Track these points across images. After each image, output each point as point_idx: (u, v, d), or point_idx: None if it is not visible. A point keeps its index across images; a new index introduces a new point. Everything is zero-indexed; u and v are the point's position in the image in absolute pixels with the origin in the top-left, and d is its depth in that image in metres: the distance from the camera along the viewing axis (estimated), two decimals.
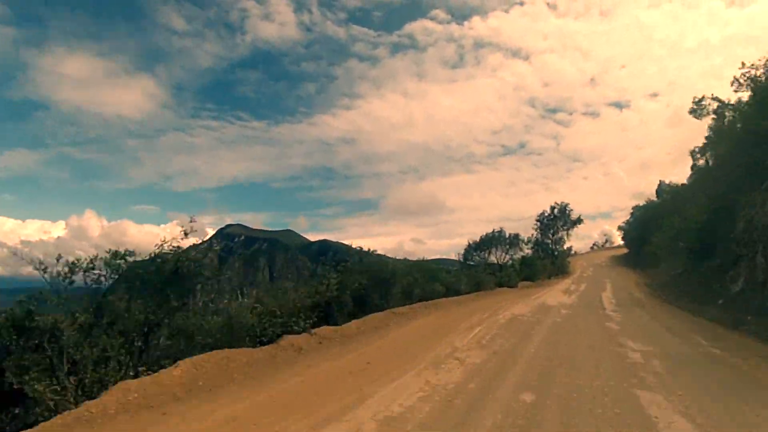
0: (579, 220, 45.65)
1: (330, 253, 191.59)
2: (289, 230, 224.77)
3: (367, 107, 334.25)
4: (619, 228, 56.98)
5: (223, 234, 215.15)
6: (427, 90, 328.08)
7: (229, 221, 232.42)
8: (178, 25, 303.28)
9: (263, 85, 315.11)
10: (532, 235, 43.06)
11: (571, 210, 45.07)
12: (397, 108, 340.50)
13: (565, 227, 44.95)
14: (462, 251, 35.54)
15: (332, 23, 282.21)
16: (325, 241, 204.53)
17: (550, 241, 44.53)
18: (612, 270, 44.02)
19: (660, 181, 49.05)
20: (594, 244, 69.81)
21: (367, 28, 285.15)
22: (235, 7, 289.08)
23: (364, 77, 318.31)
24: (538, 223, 44.98)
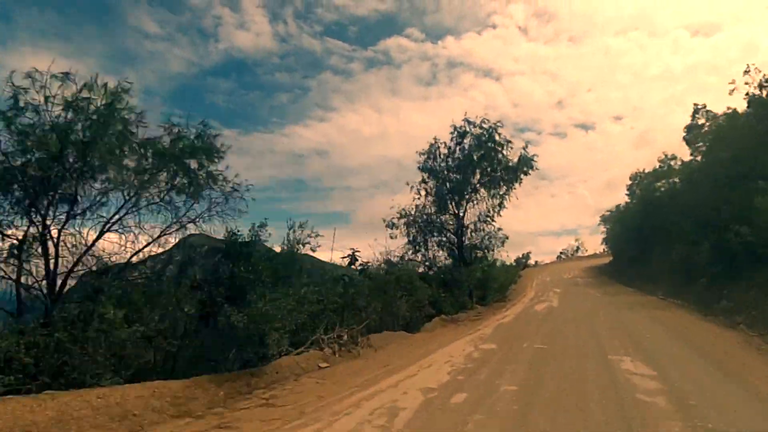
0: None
1: (297, 265, 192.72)
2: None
3: (340, 120, 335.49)
4: (603, 220, 41.69)
5: (186, 244, 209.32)
6: (401, 105, 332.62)
7: (199, 231, 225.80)
8: (149, 29, 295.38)
9: (235, 94, 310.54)
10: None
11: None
12: (371, 122, 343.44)
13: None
14: None
15: (308, 36, 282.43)
16: (291, 252, 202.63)
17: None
18: (598, 291, 25.86)
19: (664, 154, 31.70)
20: (561, 253, 51.52)
21: (342, 42, 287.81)
22: (209, 13, 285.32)
23: (338, 90, 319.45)
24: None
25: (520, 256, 47.16)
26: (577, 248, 50.51)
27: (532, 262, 48.49)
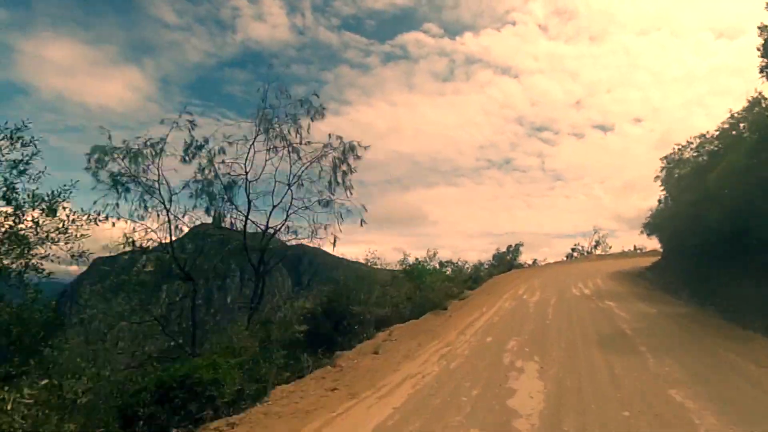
0: None
1: (306, 260, 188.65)
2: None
3: (355, 114, 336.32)
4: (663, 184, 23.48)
5: (197, 233, 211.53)
6: (416, 101, 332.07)
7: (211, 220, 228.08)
8: (169, 19, 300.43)
9: (252, 86, 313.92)
10: None
11: None
12: (385, 117, 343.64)
13: None
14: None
15: (325, 29, 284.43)
16: (301, 245, 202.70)
17: None
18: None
19: None
20: (573, 249, 36.80)
21: (359, 36, 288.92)
22: (227, 4, 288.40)
23: (354, 84, 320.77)
24: None
25: (505, 249, 31.06)
26: (597, 243, 35.91)
27: (526, 260, 31.73)
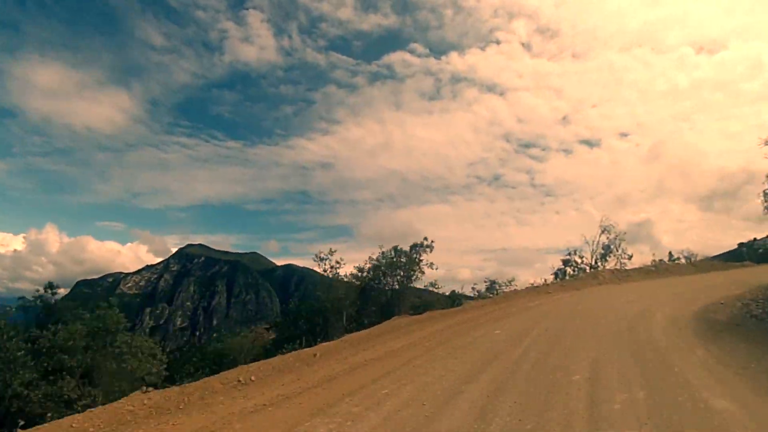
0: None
1: (295, 278, 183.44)
2: (255, 253, 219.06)
3: (344, 133, 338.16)
4: None
5: (182, 254, 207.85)
6: (405, 120, 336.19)
7: (200, 241, 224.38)
8: (155, 41, 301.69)
9: (240, 106, 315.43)
10: None
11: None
12: (375, 136, 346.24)
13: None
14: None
15: (312, 50, 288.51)
16: (290, 265, 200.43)
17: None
18: None
19: None
20: (568, 264, 28.57)
21: (346, 57, 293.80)
22: (214, 27, 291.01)
23: (342, 103, 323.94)
24: None
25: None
26: (607, 252, 27.63)
27: (506, 285, 21.96)
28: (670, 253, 31.53)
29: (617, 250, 28.57)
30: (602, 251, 28.95)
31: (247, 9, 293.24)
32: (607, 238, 28.75)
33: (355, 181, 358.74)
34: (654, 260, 30.63)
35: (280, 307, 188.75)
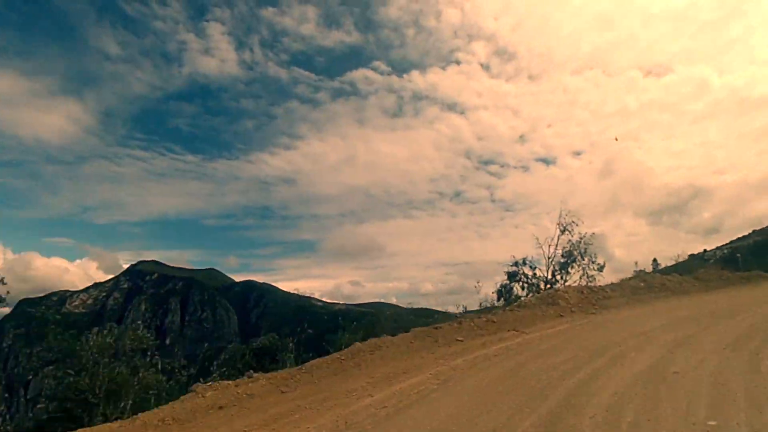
0: None
1: (255, 294, 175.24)
2: (213, 269, 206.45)
3: (307, 148, 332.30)
4: None
5: (133, 271, 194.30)
6: (368, 136, 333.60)
7: (154, 257, 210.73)
8: (111, 50, 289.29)
9: (199, 119, 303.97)
10: None
11: None
12: (338, 151, 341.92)
13: None
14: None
15: (274, 64, 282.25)
16: (250, 281, 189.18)
17: None
18: None
19: None
20: (515, 278, 20.40)
21: (309, 72, 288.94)
22: (173, 38, 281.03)
23: (305, 119, 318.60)
24: None
25: None
26: (569, 262, 20.01)
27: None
28: (654, 260, 24.27)
29: (582, 258, 20.72)
30: (562, 259, 20.61)
31: (208, 21, 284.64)
32: (569, 240, 20.50)
33: (318, 196, 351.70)
34: (638, 271, 22.76)
35: (239, 325, 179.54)
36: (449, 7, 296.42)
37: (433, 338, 9.42)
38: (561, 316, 12.37)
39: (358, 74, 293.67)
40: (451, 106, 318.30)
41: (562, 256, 21.18)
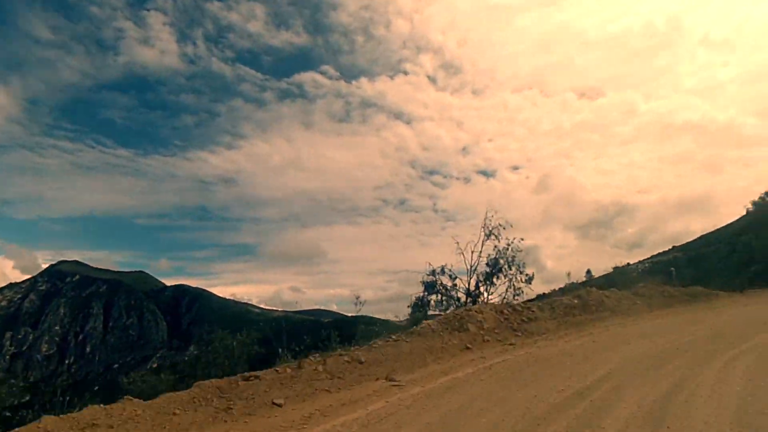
0: None
1: (187, 299, 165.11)
2: (142, 272, 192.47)
3: (250, 148, 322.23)
4: None
5: (52, 271, 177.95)
6: (314, 139, 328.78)
7: (77, 257, 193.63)
8: (41, 34, 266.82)
9: (134, 111, 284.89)
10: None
11: None
12: (283, 153, 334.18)
13: None
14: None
15: (218, 60, 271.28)
16: (182, 286, 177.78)
17: None
18: None
19: None
20: (422, 306, 16.84)
21: (255, 71, 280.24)
22: (109, 25, 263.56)
23: (249, 118, 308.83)
24: None
25: None
26: (494, 273, 16.96)
27: None
28: (588, 271, 21.77)
29: (509, 268, 17.57)
30: (487, 269, 17.23)
31: (148, 10, 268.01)
32: (495, 247, 17.18)
33: (260, 198, 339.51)
34: (571, 283, 19.94)
35: (168, 332, 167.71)
36: (399, 18, 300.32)
37: (225, 404, 5.50)
38: (467, 348, 8.89)
39: (306, 77, 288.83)
40: (398, 115, 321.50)
41: (487, 264, 18.23)
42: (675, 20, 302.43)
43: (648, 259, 50.57)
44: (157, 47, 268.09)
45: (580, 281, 22.27)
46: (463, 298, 17.76)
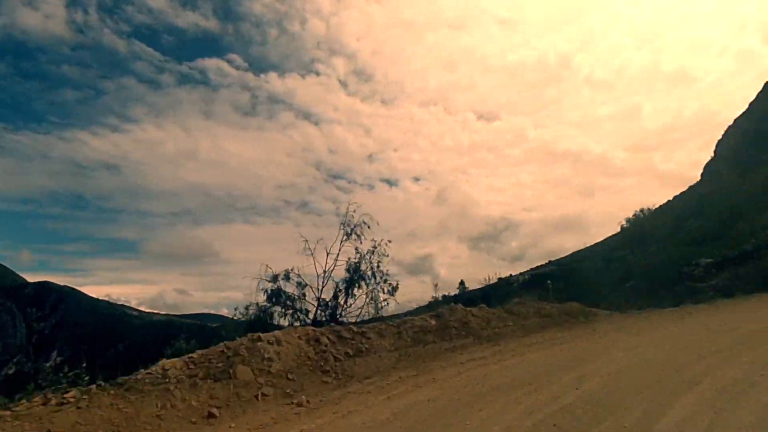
0: None
1: (52, 297, 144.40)
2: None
3: (140, 134, 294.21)
4: None
5: None
6: (215, 131, 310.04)
7: None
8: None
9: (6, 79, 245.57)
10: None
11: None
12: (178, 142, 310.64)
13: None
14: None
15: (111, 32, 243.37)
16: (47, 283, 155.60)
17: None
18: None
19: None
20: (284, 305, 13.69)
21: (153, 50, 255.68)
22: None
23: (141, 100, 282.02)
24: None
25: None
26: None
27: None
28: (461, 282, 19.84)
29: (373, 276, 14.27)
30: (348, 274, 14.21)
31: None
32: (357, 250, 14.23)
33: (147, 189, 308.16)
34: (439, 298, 17.38)
35: (27, 336, 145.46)
36: (315, 18, 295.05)
37: None
38: (210, 416, 5.18)
39: (211, 63, 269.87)
40: (307, 115, 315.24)
41: (347, 270, 14.94)
42: (565, 58, 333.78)
43: (528, 271, 53.83)
44: (42, 10, 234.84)
45: (453, 293, 20.23)
46: (313, 312, 14.36)
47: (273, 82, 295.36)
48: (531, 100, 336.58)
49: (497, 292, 26.07)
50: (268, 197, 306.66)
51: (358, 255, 14.91)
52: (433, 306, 18.12)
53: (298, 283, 14.95)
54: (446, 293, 26.82)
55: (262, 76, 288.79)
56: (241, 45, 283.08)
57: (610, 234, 48.58)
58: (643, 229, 35.63)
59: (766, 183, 29.73)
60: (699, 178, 53.83)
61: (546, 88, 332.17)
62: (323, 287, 14.68)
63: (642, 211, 38.86)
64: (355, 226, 14.93)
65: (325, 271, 14.64)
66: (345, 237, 14.86)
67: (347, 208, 14.88)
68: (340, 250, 14.76)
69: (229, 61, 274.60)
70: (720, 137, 55.30)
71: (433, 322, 10.30)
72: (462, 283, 27.23)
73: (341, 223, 14.85)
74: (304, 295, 14.87)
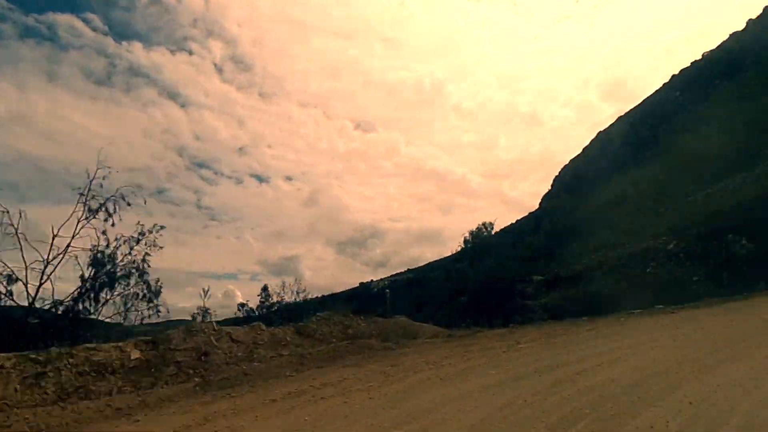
0: None
1: None
2: None
3: None
4: None
5: None
6: (58, 97, 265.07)
7: None
8: None
9: None
10: None
11: None
12: (9, 103, 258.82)
13: None
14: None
15: None
16: None
17: None
18: None
19: None
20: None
21: None
22: None
23: None
24: None
25: None
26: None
27: None
28: (263, 288, 16.61)
29: (128, 279, 11.07)
30: (90, 271, 10.79)
31: None
32: (105, 226, 10.90)
33: None
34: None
35: None
36: None
37: None
38: None
39: (63, 19, 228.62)
40: (173, 95, 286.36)
41: (90, 265, 10.66)
42: (439, 85, 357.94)
43: (388, 277, 56.28)
44: None
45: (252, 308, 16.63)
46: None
47: (137, 52, 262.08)
48: (406, 118, 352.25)
49: (302, 310, 21.74)
50: (117, 179, 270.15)
51: (108, 242, 10.77)
52: (240, 322, 14.52)
53: (7, 276, 10.27)
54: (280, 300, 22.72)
55: (124, 43, 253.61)
56: (102, 5, 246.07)
57: (458, 248, 51.08)
58: (484, 242, 36.36)
59: (596, 210, 31.93)
60: (537, 207, 59.54)
61: (420, 110, 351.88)
62: (40, 283, 10.21)
63: (484, 225, 39.94)
64: (106, 200, 10.72)
65: (45, 260, 10.17)
66: (88, 214, 10.57)
67: (95, 172, 10.57)
68: (76, 233, 10.41)
69: (85, 21, 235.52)
70: (557, 173, 62.66)
71: (137, 354, 6.55)
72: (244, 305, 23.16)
73: (80, 194, 10.50)
74: (10, 293, 10.22)
